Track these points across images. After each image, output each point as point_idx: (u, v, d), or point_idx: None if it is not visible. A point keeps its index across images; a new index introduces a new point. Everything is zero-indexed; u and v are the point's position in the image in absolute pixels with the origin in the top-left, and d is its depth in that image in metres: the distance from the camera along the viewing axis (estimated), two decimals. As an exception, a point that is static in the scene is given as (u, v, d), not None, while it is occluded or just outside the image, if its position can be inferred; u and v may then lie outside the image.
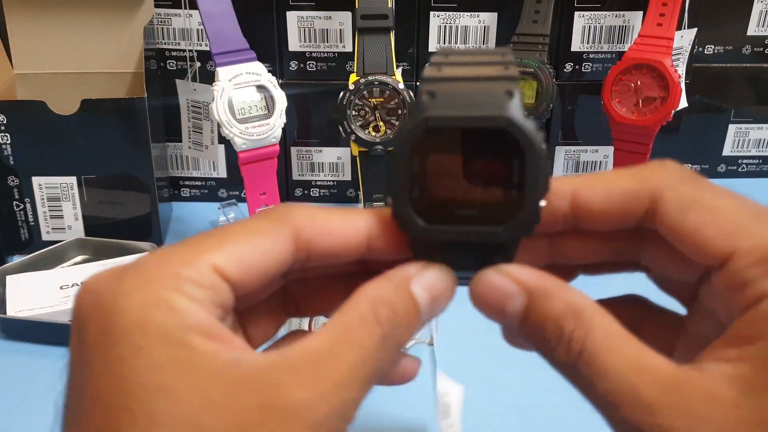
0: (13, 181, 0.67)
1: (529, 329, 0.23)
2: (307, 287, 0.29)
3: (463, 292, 0.25)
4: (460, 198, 0.24)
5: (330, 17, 0.72)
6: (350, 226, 0.25)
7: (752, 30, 0.77)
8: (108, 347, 0.20)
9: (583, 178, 0.25)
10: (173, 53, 0.73)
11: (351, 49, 0.73)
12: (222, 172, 0.79)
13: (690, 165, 0.83)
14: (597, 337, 0.22)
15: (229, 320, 0.24)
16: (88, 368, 0.21)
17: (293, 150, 0.78)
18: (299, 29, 0.73)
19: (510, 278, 0.24)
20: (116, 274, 0.22)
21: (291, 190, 0.80)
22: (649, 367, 0.21)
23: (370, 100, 0.64)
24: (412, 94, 0.63)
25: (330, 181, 0.80)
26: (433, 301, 0.24)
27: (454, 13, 0.73)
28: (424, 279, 0.24)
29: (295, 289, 0.29)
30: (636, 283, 0.29)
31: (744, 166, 0.83)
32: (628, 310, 0.27)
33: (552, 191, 0.24)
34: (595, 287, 0.27)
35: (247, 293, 0.24)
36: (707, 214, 0.23)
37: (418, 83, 0.25)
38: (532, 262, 0.24)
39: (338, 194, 0.80)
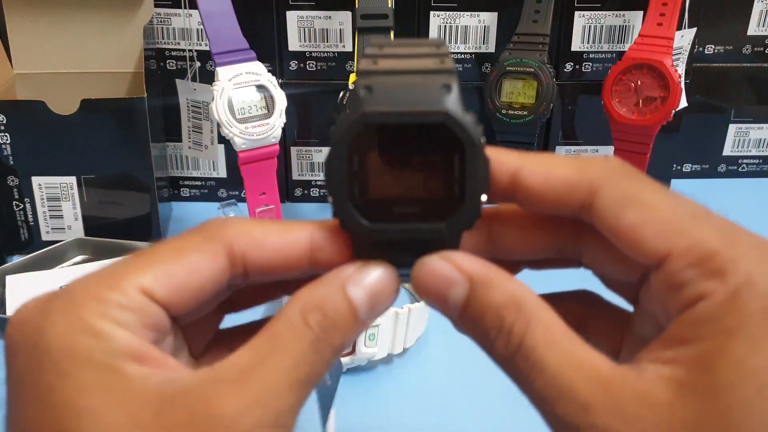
0: (12, 181, 0.67)
1: (469, 319, 0.23)
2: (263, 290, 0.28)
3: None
4: (401, 195, 0.24)
5: (330, 17, 0.72)
6: (288, 239, 0.24)
7: (752, 30, 0.77)
8: (38, 377, 0.20)
9: (530, 156, 0.25)
10: (173, 53, 0.73)
11: (351, 49, 0.73)
12: (222, 172, 0.79)
13: (690, 165, 0.82)
14: (537, 331, 0.22)
15: (170, 339, 0.24)
16: (21, 400, 0.21)
17: (293, 150, 0.78)
18: (299, 29, 0.73)
19: (453, 265, 0.23)
20: (43, 302, 0.22)
21: (291, 190, 0.80)
22: (587, 364, 0.21)
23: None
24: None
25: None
26: (372, 300, 0.24)
27: (454, 12, 0.73)
28: (361, 279, 0.23)
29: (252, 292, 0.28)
30: (590, 278, 0.28)
31: (744, 166, 0.83)
32: (577, 306, 0.27)
33: (494, 166, 0.24)
34: (547, 281, 0.27)
35: (184, 312, 0.23)
36: (643, 211, 0.22)
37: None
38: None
39: (338, 194, 0.80)
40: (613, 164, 0.24)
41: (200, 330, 0.28)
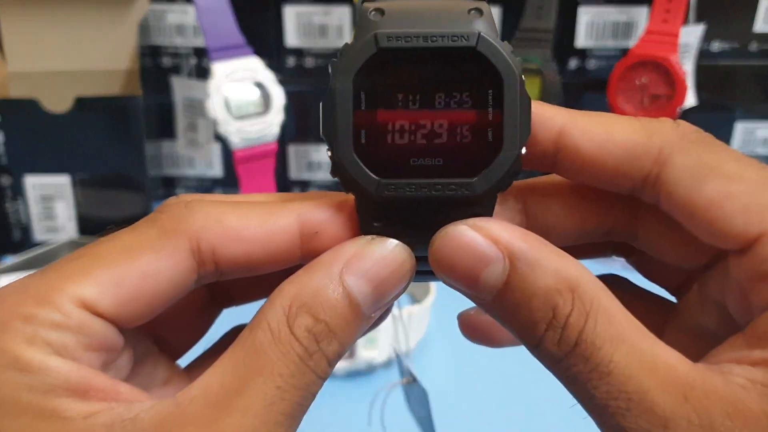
0: (5, 180, 0.66)
1: (508, 307, 0.18)
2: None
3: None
4: (420, 145, 0.19)
5: (329, 12, 0.71)
6: (271, 226, 0.19)
7: (759, 26, 0.76)
8: None
9: (580, 113, 0.20)
10: (168, 50, 0.72)
11: (350, 46, 0.72)
12: (218, 171, 0.78)
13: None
14: (600, 323, 0.17)
15: (126, 357, 0.20)
16: None
17: (291, 148, 0.77)
18: (297, 25, 0.72)
19: (487, 236, 0.18)
20: None
21: (288, 189, 0.79)
22: (662, 366, 0.17)
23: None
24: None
25: (329, 180, 0.78)
26: (379, 289, 0.19)
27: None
28: (363, 263, 0.19)
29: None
30: (610, 265, 0.24)
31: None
32: None
33: (535, 122, 0.19)
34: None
35: (139, 324, 0.19)
36: (727, 184, 0.18)
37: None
38: None
39: (337, 194, 0.79)
40: (686, 128, 0.20)
41: (183, 329, 0.23)
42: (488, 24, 0.18)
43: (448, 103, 0.19)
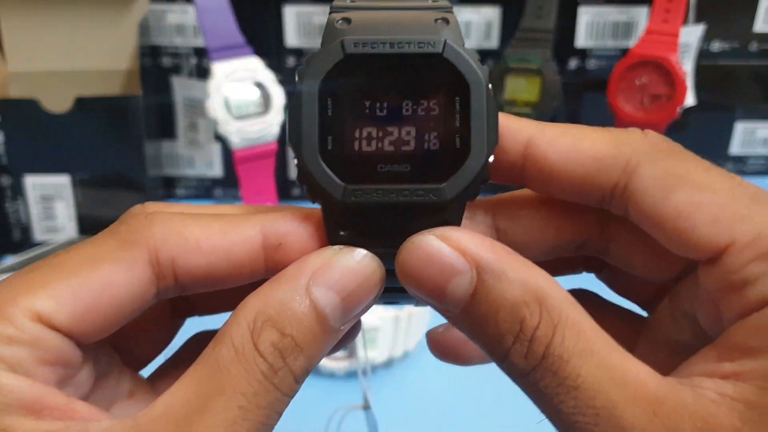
0: (5, 180, 0.66)
1: (475, 319, 0.18)
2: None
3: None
4: (388, 151, 0.19)
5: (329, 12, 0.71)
6: (233, 237, 0.19)
7: (759, 26, 0.75)
8: None
9: (548, 125, 0.20)
10: (168, 50, 0.72)
11: (350, 46, 0.72)
12: (218, 171, 0.78)
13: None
14: (568, 336, 0.17)
15: (86, 372, 0.19)
16: None
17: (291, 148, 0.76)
18: (297, 24, 0.72)
19: (454, 246, 0.18)
20: None
21: (288, 189, 0.79)
22: (631, 379, 0.17)
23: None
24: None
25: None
26: (348, 301, 0.18)
27: (456, 7, 0.72)
28: (329, 274, 0.18)
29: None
30: (579, 280, 0.24)
31: (751, 164, 0.82)
32: None
33: (503, 134, 0.19)
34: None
35: (98, 338, 0.18)
36: (695, 193, 0.18)
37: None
38: None
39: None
40: (654, 138, 0.20)
41: (146, 341, 0.23)
42: (455, 33, 0.19)
43: (415, 110, 0.19)
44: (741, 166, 0.82)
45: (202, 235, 0.19)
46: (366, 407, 0.46)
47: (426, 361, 0.55)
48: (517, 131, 0.20)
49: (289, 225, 0.19)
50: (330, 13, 0.19)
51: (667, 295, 0.22)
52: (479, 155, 0.19)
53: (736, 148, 0.81)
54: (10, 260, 0.63)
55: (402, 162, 0.19)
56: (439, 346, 0.24)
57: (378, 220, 0.19)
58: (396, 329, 0.52)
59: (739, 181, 0.19)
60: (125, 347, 0.22)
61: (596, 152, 0.19)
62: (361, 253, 0.19)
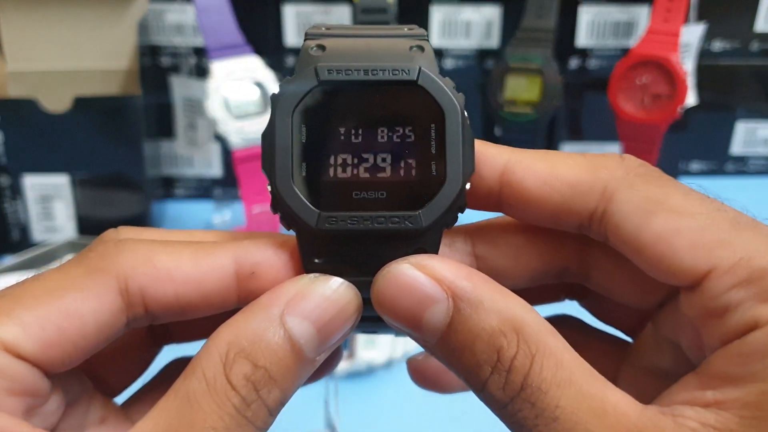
0: (4, 180, 0.66)
1: (451, 349, 0.17)
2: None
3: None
4: (363, 178, 0.18)
5: (328, 12, 0.71)
6: (205, 266, 0.18)
7: (760, 26, 0.75)
8: None
9: (524, 152, 0.20)
10: (167, 49, 0.72)
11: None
12: (217, 171, 0.78)
13: (697, 163, 0.81)
14: (546, 366, 0.17)
15: (55, 400, 0.18)
16: None
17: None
18: (297, 24, 0.71)
19: (430, 275, 0.18)
20: None
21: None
22: (611, 409, 0.16)
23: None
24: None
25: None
26: (323, 331, 0.18)
27: (456, 6, 0.71)
28: (305, 303, 0.17)
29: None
30: (562, 307, 0.24)
31: (752, 164, 0.82)
32: (561, 334, 0.20)
33: (479, 160, 0.19)
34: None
35: (66, 367, 0.18)
36: (674, 218, 0.18)
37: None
38: None
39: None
40: (631, 162, 0.20)
41: (121, 368, 0.22)
42: (429, 61, 0.18)
43: (390, 137, 0.18)
44: (742, 166, 0.82)
45: (173, 263, 0.18)
46: None
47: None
48: (493, 158, 0.19)
49: (263, 253, 0.19)
50: (305, 41, 0.19)
51: (650, 322, 0.22)
52: (455, 183, 0.18)
53: (737, 147, 0.80)
54: (9, 260, 0.63)
55: (377, 189, 0.19)
56: (419, 374, 0.23)
57: (353, 248, 0.18)
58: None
59: (718, 206, 0.18)
60: (98, 374, 0.22)
61: (573, 178, 0.19)
62: (337, 281, 0.18)
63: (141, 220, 0.68)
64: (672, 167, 0.76)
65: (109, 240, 0.19)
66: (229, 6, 0.61)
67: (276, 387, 0.17)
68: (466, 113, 0.19)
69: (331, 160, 0.18)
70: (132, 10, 0.70)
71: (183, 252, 0.18)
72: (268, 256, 0.19)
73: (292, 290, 0.18)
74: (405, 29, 0.19)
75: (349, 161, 0.18)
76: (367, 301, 0.19)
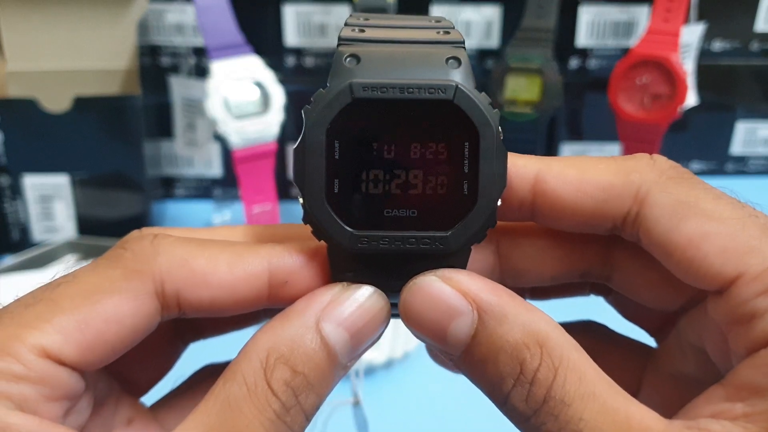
0: (4, 180, 0.66)
1: (475, 361, 0.18)
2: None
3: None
4: (394, 195, 0.19)
5: (329, 12, 0.71)
6: (239, 272, 0.18)
7: (760, 26, 0.75)
8: None
9: (551, 160, 0.20)
10: (167, 49, 0.72)
11: (350, 45, 0.72)
12: (217, 171, 0.78)
13: (698, 163, 0.81)
14: (569, 381, 0.17)
15: (86, 399, 0.19)
16: None
17: (290, 148, 0.76)
18: (297, 24, 0.71)
19: (456, 288, 0.18)
20: None
21: (288, 189, 0.78)
22: (635, 424, 0.16)
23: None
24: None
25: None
26: (356, 338, 0.18)
27: (456, 6, 0.71)
28: (340, 310, 0.18)
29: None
30: (584, 302, 0.23)
31: (753, 164, 0.82)
32: (584, 340, 0.20)
33: (510, 173, 0.19)
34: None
35: (100, 366, 0.18)
36: (706, 222, 0.18)
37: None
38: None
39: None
40: (663, 164, 0.20)
41: (147, 367, 0.22)
42: (466, 74, 0.18)
43: (423, 154, 0.18)
44: (742, 166, 0.82)
45: (209, 268, 0.18)
46: (356, 403, 0.46)
47: (426, 363, 0.55)
48: (524, 168, 0.20)
49: (296, 262, 0.19)
50: (338, 45, 0.19)
51: (675, 326, 0.22)
52: (486, 203, 0.18)
53: (737, 147, 0.80)
54: (9, 260, 0.63)
55: (409, 207, 0.19)
56: (438, 358, 0.24)
57: (383, 264, 0.19)
58: (396, 330, 0.52)
59: (750, 211, 0.19)
60: (124, 373, 0.22)
61: (605, 182, 0.19)
62: (369, 289, 0.19)
63: (141, 220, 0.68)
64: (672, 167, 0.76)
65: (142, 238, 0.19)
66: (229, 6, 0.61)
67: (313, 392, 0.17)
68: (500, 129, 0.19)
69: (364, 177, 0.19)
70: (132, 10, 0.70)
71: (219, 257, 0.19)
72: (300, 266, 0.19)
73: (327, 297, 0.18)
74: (441, 32, 0.19)
75: (382, 178, 0.19)
76: (393, 315, 0.19)
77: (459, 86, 0.18)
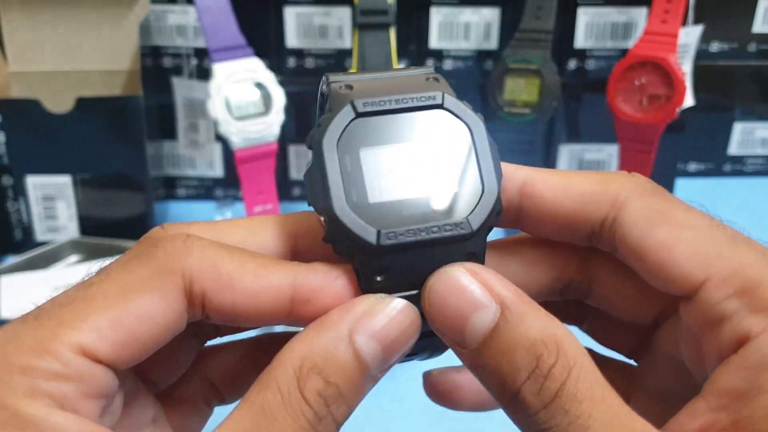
0: (7, 180, 0.66)
1: (491, 355, 0.18)
2: (227, 362, 0.23)
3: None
4: (408, 195, 0.20)
5: (329, 13, 0.71)
6: (265, 283, 0.19)
7: (758, 27, 0.76)
8: None
9: (537, 169, 0.21)
10: (169, 50, 0.72)
11: (350, 46, 0.72)
12: (219, 171, 0.78)
13: (695, 164, 0.81)
14: (582, 380, 0.17)
15: (118, 398, 0.19)
16: None
17: (291, 148, 0.77)
18: (298, 25, 0.72)
19: (482, 282, 0.19)
20: None
21: (289, 189, 0.79)
22: (640, 430, 0.17)
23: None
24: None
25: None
26: (387, 350, 0.18)
27: (456, 8, 0.72)
28: (372, 323, 0.18)
29: (211, 369, 0.23)
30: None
31: (750, 165, 0.82)
32: None
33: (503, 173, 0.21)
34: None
35: (132, 365, 0.18)
36: (676, 229, 0.19)
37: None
38: None
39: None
40: (639, 179, 0.21)
41: (167, 365, 0.22)
42: (446, 87, 0.21)
43: (427, 156, 0.20)
44: (740, 166, 0.82)
45: (236, 274, 0.19)
46: None
47: (426, 363, 0.55)
48: (513, 173, 0.21)
49: (321, 281, 0.19)
50: (330, 84, 0.21)
51: (651, 344, 0.23)
52: (492, 188, 0.20)
53: (734, 148, 0.81)
54: (12, 260, 0.64)
55: (424, 203, 0.20)
56: (434, 388, 0.25)
57: (410, 261, 0.19)
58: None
59: (717, 222, 0.20)
60: (146, 372, 0.22)
61: (587, 188, 0.21)
62: (400, 302, 0.19)
63: (143, 220, 0.68)
64: (670, 168, 0.76)
65: (174, 237, 0.19)
66: (230, 8, 0.62)
67: (344, 403, 0.18)
68: (485, 130, 0.21)
69: (378, 183, 0.20)
70: (134, 11, 0.70)
71: (247, 264, 0.19)
72: (323, 286, 0.19)
73: (360, 309, 0.18)
74: (412, 68, 0.22)
75: (394, 182, 0.20)
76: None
77: (444, 93, 0.21)
